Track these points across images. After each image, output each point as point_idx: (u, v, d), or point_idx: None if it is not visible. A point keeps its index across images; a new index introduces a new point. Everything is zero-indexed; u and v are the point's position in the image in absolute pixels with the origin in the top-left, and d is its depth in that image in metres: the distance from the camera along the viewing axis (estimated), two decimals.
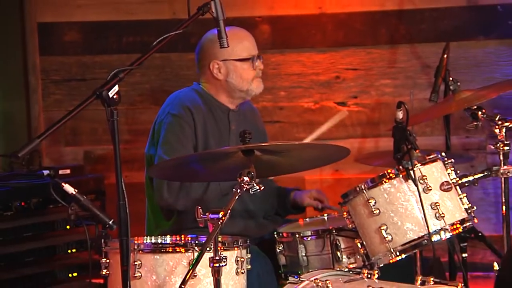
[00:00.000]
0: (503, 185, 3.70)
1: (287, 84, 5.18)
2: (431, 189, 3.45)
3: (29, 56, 5.25)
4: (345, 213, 3.57)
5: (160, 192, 3.98)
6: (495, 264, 3.68)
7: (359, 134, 5.19)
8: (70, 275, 4.48)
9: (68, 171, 4.62)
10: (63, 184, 3.34)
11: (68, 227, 4.49)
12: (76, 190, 3.32)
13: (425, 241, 3.43)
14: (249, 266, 3.52)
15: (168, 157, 3.92)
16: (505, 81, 4.31)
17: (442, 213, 3.43)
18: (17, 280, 4.28)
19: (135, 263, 3.33)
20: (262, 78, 4.18)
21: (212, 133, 4.09)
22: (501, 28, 5.15)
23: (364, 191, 3.49)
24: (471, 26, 5.16)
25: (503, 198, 3.71)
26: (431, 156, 3.54)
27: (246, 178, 3.23)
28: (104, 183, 4.76)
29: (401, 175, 3.45)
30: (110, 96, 2.99)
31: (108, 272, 3.50)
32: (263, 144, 3.37)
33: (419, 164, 3.46)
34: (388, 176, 3.47)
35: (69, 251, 4.50)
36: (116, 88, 3.01)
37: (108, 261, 3.50)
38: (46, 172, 4.44)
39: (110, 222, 3.25)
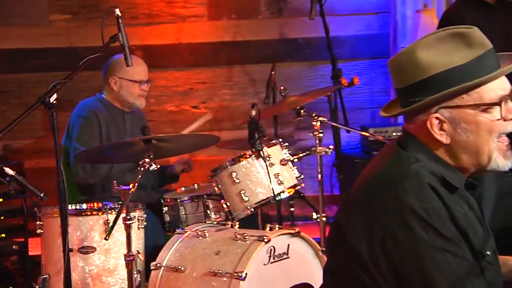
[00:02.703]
0: (319, 160, 3.79)
1: (156, 94, 5.15)
2: (274, 164, 3.52)
3: None
4: (214, 183, 3.61)
5: (77, 172, 3.90)
6: (314, 214, 3.83)
7: (208, 128, 5.18)
8: None
9: None
10: (4, 168, 3.22)
11: None
12: (15, 172, 3.21)
13: (271, 200, 3.51)
14: (145, 223, 3.52)
15: (81, 147, 3.85)
16: (316, 90, 4.44)
17: (282, 181, 3.51)
18: None
19: None
20: None
21: (112, 130, 4.04)
22: (302, 54, 5.30)
23: (228, 167, 3.52)
24: (282, 52, 5.27)
25: (319, 169, 3.80)
26: (273, 141, 3.61)
27: (147, 160, 3.23)
28: (24, 167, 4.59)
29: (253, 155, 3.51)
30: (51, 101, 2.92)
31: (41, 231, 3.42)
32: (159, 135, 3.37)
33: (266, 147, 3.52)
34: (245, 156, 3.52)
35: None
36: (55, 95, 2.93)
37: (41, 223, 3.42)
38: None
39: (42, 195, 3.15)
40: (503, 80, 1.75)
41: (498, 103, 1.71)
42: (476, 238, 1.72)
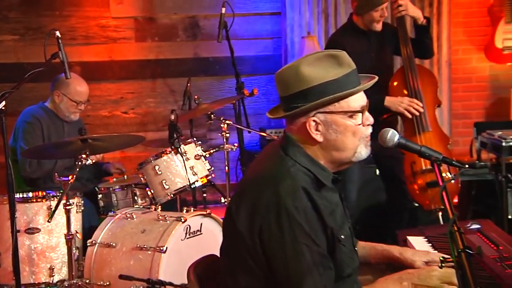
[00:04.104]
0: (226, 155, 3.80)
1: (92, 102, 4.89)
2: (190, 159, 3.49)
3: None
4: (140, 175, 3.54)
5: (24, 167, 3.75)
6: (222, 199, 3.83)
7: (135, 130, 5.14)
8: None
9: None
10: None
11: None
12: None
13: (187, 188, 3.48)
14: (83, 208, 3.43)
15: (26, 146, 3.72)
16: (223, 98, 4.40)
17: (196, 172, 3.48)
18: None
19: None
20: None
21: (53, 133, 3.90)
22: (212, 70, 5.27)
23: (152, 161, 3.47)
24: (196, 69, 5.22)
25: (226, 162, 3.81)
26: (189, 140, 3.58)
27: (84, 156, 3.15)
28: None
29: (173, 151, 3.47)
30: (0, 108, 2.81)
31: None
32: (93, 136, 3.28)
33: (183, 145, 3.48)
34: (166, 152, 3.47)
35: None
36: (4, 102, 2.82)
37: None
38: None
39: None
40: (363, 94, 1.81)
41: (361, 111, 1.78)
42: (337, 226, 1.76)
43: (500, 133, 4.40)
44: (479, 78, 5.50)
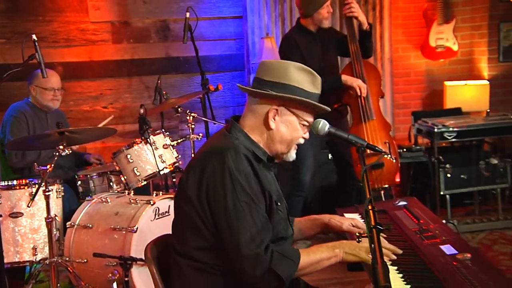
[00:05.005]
0: (192, 144, 3.77)
1: (74, 98, 4.93)
2: (158, 148, 3.47)
3: None
4: (114, 163, 3.51)
5: (11, 158, 3.68)
6: None
7: (114, 122, 5.03)
8: None
9: None
10: None
11: None
12: None
13: (157, 174, 3.45)
14: (63, 194, 3.37)
15: (12, 138, 3.63)
16: (189, 94, 4.34)
17: (164, 160, 3.46)
18: None
19: None
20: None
21: (37, 126, 3.82)
22: (182, 68, 5.21)
23: (124, 150, 3.43)
24: (167, 67, 5.14)
25: (192, 150, 3.77)
26: (157, 131, 3.55)
27: (61, 147, 3.09)
28: None
29: (143, 142, 3.44)
30: None
31: None
32: (69, 129, 3.21)
33: (152, 135, 3.45)
34: (137, 142, 3.44)
35: None
36: None
37: None
38: None
39: None
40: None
41: (308, 126, 1.88)
42: (273, 193, 1.82)
43: (433, 121, 4.46)
44: (417, 73, 5.55)
